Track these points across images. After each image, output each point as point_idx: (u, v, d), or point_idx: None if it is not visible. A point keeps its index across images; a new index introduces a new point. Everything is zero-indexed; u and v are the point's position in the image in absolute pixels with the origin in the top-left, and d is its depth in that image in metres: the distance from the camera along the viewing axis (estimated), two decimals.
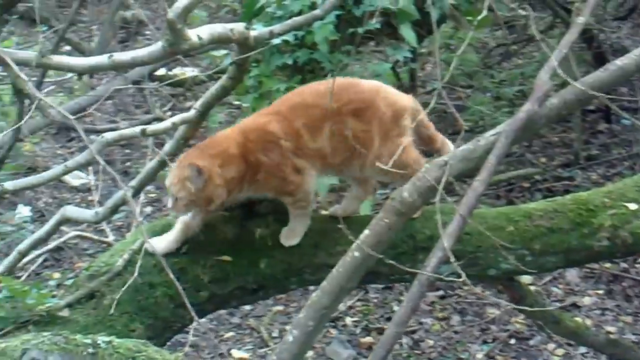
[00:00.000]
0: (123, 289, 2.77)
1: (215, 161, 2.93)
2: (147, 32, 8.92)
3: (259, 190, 3.08)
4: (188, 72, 7.21)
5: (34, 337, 1.67)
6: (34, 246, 3.67)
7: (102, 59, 2.65)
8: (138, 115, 7.19)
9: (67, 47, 7.63)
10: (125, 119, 7.04)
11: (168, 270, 2.35)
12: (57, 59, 2.67)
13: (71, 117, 2.46)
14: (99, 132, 5.75)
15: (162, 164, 3.19)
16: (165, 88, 7.00)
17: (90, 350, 1.76)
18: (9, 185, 2.39)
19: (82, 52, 7.54)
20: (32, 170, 6.16)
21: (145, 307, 3.05)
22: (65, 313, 3.02)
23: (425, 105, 2.93)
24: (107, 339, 1.85)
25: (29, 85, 2.56)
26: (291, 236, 3.11)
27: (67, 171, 2.49)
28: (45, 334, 1.72)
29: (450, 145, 3.15)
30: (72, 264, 5.31)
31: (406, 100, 3.08)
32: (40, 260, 5.21)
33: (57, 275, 5.08)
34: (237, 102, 6.39)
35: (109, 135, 2.57)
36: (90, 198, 5.88)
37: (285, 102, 3.05)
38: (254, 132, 2.99)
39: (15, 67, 2.54)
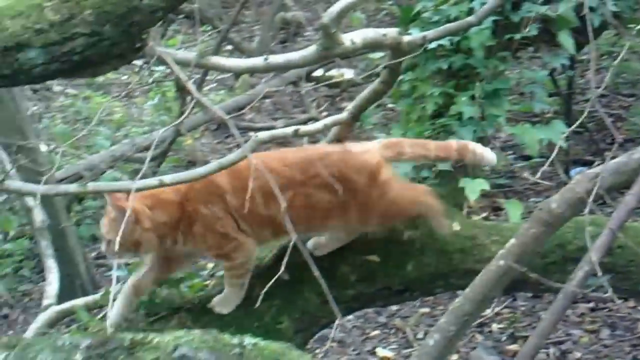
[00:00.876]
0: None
1: (145, 202, 2.77)
2: (307, 34, 9.11)
3: (196, 245, 2.91)
4: (345, 73, 7.32)
5: (185, 334, 1.76)
6: None
7: (257, 61, 2.75)
8: (295, 114, 7.35)
9: (229, 47, 7.90)
10: (283, 117, 7.23)
11: (314, 268, 2.41)
12: (214, 59, 2.79)
13: (225, 115, 2.56)
14: (256, 130, 5.93)
15: None
16: (321, 89, 7.14)
17: (237, 350, 1.83)
18: (167, 178, 2.52)
19: (243, 52, 7.79)
20: (192, 164, 6.42)
21: (293, 302, 3.14)
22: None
23: (581, 113, 2.87)
24: (253, 340, 1.92)
25: (189, 84, 2.69)
26: (223, 304, 3.00)
27: (221, 168, 2.59)
28: (195, 331, 1.80)
29: (476, 147, 3.01)
30: None
31: (375, 154, 2.94)
32: None
33: (210, 265, 5.28)
34: (391, 105, 6.44)
35: (262, 135, 2.66)
36: None
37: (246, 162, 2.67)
38: (200, 181, 2.73)
39: (176, 67, 2.67)
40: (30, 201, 4.77)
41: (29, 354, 1.74)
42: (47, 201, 4.92)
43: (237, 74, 6.97)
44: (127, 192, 2.56)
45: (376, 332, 4.78)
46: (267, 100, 7.62)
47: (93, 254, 5.55)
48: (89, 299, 3.97)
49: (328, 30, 2.64)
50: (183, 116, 3.27)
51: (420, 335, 4.68)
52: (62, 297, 4.03)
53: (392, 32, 2.85)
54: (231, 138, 7.12)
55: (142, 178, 2.50)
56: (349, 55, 3.05)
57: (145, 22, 2.60)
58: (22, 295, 5.28)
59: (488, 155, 3.00)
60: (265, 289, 2.52)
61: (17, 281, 5.32)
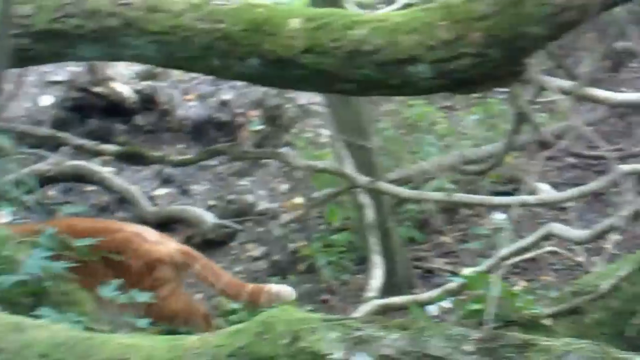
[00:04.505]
0: None
1: None
2: (633, 65, 8.85)
3: None
4: None
5: (575, 342, 1.86)
6: (516, 253, 3.98)
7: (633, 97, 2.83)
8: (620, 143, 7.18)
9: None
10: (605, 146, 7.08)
11: None
12: (590, 90, 2.90)
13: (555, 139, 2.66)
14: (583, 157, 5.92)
15: None
16: None
17: None
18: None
19: (572, 78, 7.72)
20: (509, 182, 6.50)
21: (622, 333, 3.17)
22: (547, 322, 3.26)
23: None
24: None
25: (527, 107, 2.82)
26: None
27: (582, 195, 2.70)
28: (583, 341, 1.90)
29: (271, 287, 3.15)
30: (536, 275, 5.55)
31: (165, 250, 3.06)
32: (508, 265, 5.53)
33: (523, 283, 5.36)
34: None
35: (626, 168, 2.74)
36: (563, 217, 6.07)
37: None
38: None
39: (554, 94, 2.81)
40: (364, 198, 5.12)
41: (422, 337, 1.95)
42: (376, 200, 5.25)
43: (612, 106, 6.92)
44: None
45: None
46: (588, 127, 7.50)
47: (410, 255, 5.81)
48: (422, 296, 4.23)
49: None
50: (515, 133, 3.38)
51: None
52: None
53: None
54: (551, 161, 7.11)
55: (469, 192, 2.66)
56: None
57: (529, 48, 2.76)
58: (342, 284, 5.64)
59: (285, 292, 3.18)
60: None
61: (338, 270, 5.70)
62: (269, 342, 2.14)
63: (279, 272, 5.96)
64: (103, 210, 6.72)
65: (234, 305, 3.68)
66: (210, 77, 7.80)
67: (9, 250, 2.98)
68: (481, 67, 2.75)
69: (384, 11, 6.51)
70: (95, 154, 3.34)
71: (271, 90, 7.23)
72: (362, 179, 3.30)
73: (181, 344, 2.30)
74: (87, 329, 2.60)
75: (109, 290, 3.02)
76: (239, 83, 7.53)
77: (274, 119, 7.17)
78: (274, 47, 2.82)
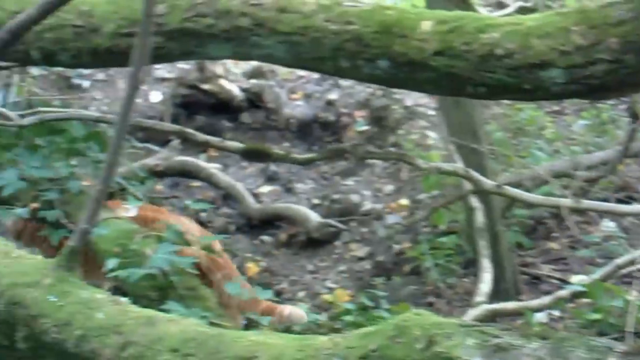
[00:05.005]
0: None
1: None
2: None
3: None
4: None
5: None
6: (632, 262, 3.89)
7: None
8: None
9: None
10: None
11: None
12: None
13: None
14: None
15: None
16: None
17: None
18: None
19: None
20: (620, 190, 6.36)
21: None
22: None
23: None
24: None
25: None
26: None
27: None
28: None
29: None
30: None
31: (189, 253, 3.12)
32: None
33: (635, 293, 5.24)
34: None
35: None
36: None
37: None
38: None
39: None
40: (474, 202, 5.08)
41: (564, 348, 1.92)
42: (486, 204, 5.20)
43: None
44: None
45: None
46: None
47: (517, 261, 5.73)
48: (532, 303, 4.17)
49: None
50: (630, 141, 3.30)
51: None
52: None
53: None
54: None
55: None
56: None
57: None
58: (448, 288, 5.61)
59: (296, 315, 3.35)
60: None
61: (444, 273, 5.67)
62: (403, 346, 2.14)
63: (383, 272, 5.96)
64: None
65: (348, 306, 3.69)
66: (316, 77, 7.89)
67: (137, 244, 3.05)
68: (616, 73, 2.68)
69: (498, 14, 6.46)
70: (220, 149, 3.39)
71: (377, 90, 7.25)
72: (488, 183, 3.27)
73: (311, 344, 2.31)
74: (212, 324, 2.64)
75: (234, 288, 3.07)
76: (345, 83, 7.57)
77: (380, 120, 7.17)
78: (405, 49, 2.80)
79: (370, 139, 7.10)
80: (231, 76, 7.70)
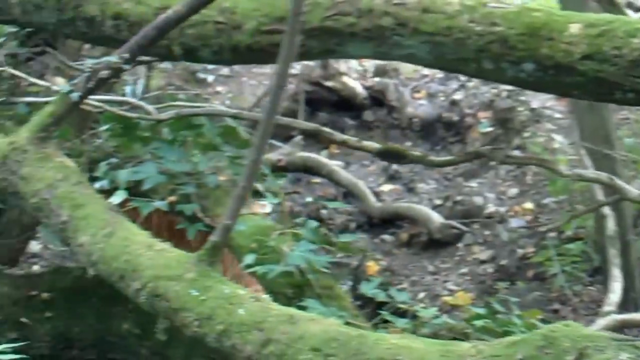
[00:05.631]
0: None
1: None
2: None
3: None
4: None
5: None
6: None
7: None
8: None
9: None
10: None
11: None
12: None
13: None
14: None
15: None
16: None
17: None
18: None
19: None
20: None
21: None
22: None
23: None
24: None
25: None
26: None
27: None
28: None
29: None
30: None
31: None
32: None
33: None
34: None
35: None
36: None
37: None
38: None
39: None
40: (605, 209, 4.92)
41: None
42: (618, 212, 5.04)
43: None
44: None
45: None
46: None
47: None
48: None
49: None
50: None
51: None
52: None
53: None
54: None
55: None
56: None
57: None
58: (574, 295, 5.47)
59: None
60: None
61: (570, 280, 5.52)
62: (552, 357, 2.08)
63: (506, 277, 5.85)
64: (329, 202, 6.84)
65: (479, 310, 3.62)
66: (440, 76, 7.81)
67: (274, 240, 3.07)
68: None
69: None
70: (356, 149, 3.39)
71: (503, 92, 7.11)
72: (634, 192, 3.16)
73: (454, 350, 2.27)
74: (348, 324, 2.62)
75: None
76: (469, 83, 7.47)
77: (505, 122, 7.03)
78: (552, 52, 2.72)
79: (494, 140, 6.98)
80: (354, 74, 7.70)
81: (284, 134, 6.92)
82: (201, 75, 7.63)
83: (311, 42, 3.12)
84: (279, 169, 6.71)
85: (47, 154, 2.92)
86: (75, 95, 2.84)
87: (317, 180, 7.04)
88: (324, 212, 6.58)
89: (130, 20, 3.28)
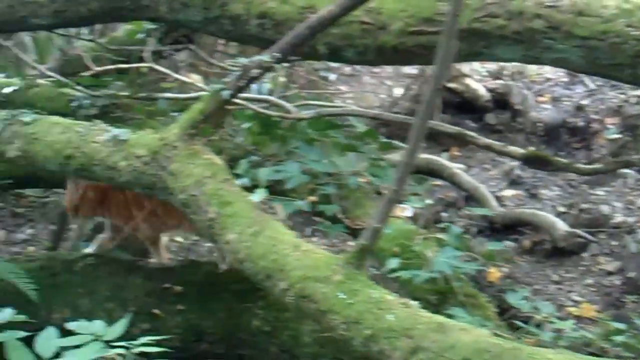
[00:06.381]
0: None
1: None
2: None
3: None
4: None
5: None
6: None
7: None
8: None
9: None
10: None
11: None
12: None
13: None
14: None
15: None
16: None
17: None
18: None
19: None
20: None
21: None
22: None
23: None
24: None
25: None
26: None
27: None
28: None
29: None
30: None
31: None
32: None
33: None
34: None
35: None
36: None
37: None
38: None
39: None
40: None
41: None
42: None
43: None
44: None
45: None
46: None
47: None
48: None
49: None
50: None
51: None
52: None
53: None
54: None
55: None
56: None
57: None
58: None
59: None
60: None
61: None
62: None
63: (635, 290, 5.64)
64: (449, 205, 6.76)
65: (620, 326, 3.49)
66: (565, 80, 7.62)
67: (418, 245, 3.03)
68: None
69: None
70: (500, 154, 3.32)
71: (632, 97, 6.89)
72: None
73: None
74: (494, 335, 2.55)
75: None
76: (596, 88, 7.27)
77: (634, 128, 6.80)
78: None
79: (621, 147, 6.76)
80: (476, 75, 7.58)
81: (404, 135, 6.85)
82: (323, 74, 7.64)
83: (459, 44, 3.06)
84: None
85: (195, 151, 2.96)
86: (226, 94, 2.87)
87: (438, 182, 6.95)
88: (444, 214, 6.49)
89: (276, 19, 3.30)
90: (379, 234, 2.53)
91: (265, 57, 2.83)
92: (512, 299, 3.03)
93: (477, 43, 3.08)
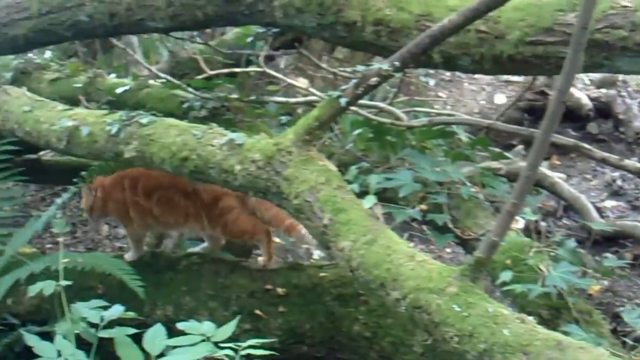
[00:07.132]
0: None
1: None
2: None
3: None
4: None
5: None
6: None
7: None
8: None
9: None
10: None
11: None
12: None
13: None
14: None
15: None
16: None
17: None
18: None
19: None
20: None
21: None
22: None
23: None
24: None
25: None
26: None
27: None
28: None
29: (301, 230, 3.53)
30: None
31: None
32: None
33: None
34: None
35: None
36: None
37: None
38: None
39: None
40: None
41: None
42: None
43: None
44: None
45: None
46: None
47: None
48: None
49: None
50: None
51: None
52: None
53: None
54: None
55: None
56: None
57: None
58: None
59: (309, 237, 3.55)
60: None
61: None
62: None
63: None
64: (548, 215, 6.64)
65: None
66: None
67: (532, 258, 2.98)
68: None
69: None
70: (617, 168, 3.24)
71: None
72: None
73: None
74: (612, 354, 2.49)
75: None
76: None
77: None
78: None
79: None
80: (579, 84, 7.44)
81: (504, 142, 6.76)
82: (422, 79, 7.59)
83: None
84: None
85: (310, 157, 2.97)
86: (343, 101, 2.87)
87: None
88: (543, 224, 6.38)
89: (391, 27, 3.29)
90: (496, 248, 2.50)
91: (384, 65, 2.82)
92: (628, 317, 2.95)
93: (598, 55, 3.02)
